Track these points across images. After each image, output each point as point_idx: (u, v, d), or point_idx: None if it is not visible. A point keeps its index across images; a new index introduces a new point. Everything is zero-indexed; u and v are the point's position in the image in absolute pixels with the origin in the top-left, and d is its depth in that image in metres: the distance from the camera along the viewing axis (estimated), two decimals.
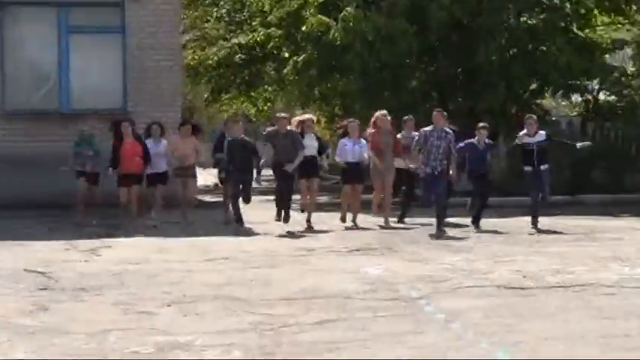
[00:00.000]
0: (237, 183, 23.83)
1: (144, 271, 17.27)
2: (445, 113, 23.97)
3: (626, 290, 15.04)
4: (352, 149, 24.42)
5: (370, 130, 25.26)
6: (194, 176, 24.91)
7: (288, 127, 23.98)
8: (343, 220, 25.17)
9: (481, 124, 25.21)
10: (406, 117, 26.06)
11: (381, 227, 24.47)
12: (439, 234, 22.37)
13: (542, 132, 24.65)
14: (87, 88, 29.75)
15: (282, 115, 25.53)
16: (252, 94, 50.25)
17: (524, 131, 24.42)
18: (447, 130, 23.24)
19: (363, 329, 12.23)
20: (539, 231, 23.37)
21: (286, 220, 23.65)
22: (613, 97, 38.89)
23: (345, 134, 25.57)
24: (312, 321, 12.74)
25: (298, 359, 10.60)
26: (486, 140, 24.88)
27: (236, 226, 23.45)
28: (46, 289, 15.60)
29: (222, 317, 13.10)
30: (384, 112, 25.40)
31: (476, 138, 24.60)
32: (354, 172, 24.81)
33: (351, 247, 20.39)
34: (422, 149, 23.12)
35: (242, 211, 24.05)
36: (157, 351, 11.02)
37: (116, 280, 16.42)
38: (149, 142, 24.43)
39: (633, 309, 13.42)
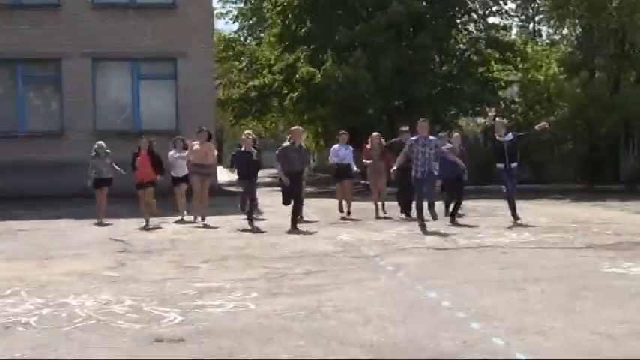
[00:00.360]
0: (245, 188, 20.01)
1: (189, 239, 17.29)
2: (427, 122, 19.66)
3: (514, 250, 15.06)
4: (343, 153, 22.12)
5: (367, 146, 22.68)
6: (210, 174, 22.05)
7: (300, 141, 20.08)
8: (341, 210, 22.08)
9: (455, 130, 23.68)
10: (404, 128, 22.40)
11: (377, 217, 21.54)
12: (421, 224, 18.31)
13: (510, 133, 20.53)
14: (151, 115, 29.79)
15: (296, 127, 20.86)
16: (263, 118, 50.52)
17: (496, 133, 20.12)
18: (430, 137, 19.14)
19: (337, 277, 12.25)
20: (517, 218, 19.61)
21: (295, 226, 18.92)
22: (505, 120, 38.92)
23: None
24: (302, 271, 12.73)
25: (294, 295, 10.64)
26: (460, 145, 21.52)
27: (247, 223, 19.51)
28: (124, 251, 15.60)
29: (242, 269, 13.10)
30: (376, 133, 23.13)
31: (450, 144, 21.04)
32: (344, 171, 22.16)
33: (330, 222, 20.38)
34: (411, 157, 18.94)
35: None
36: (199, 293, 11.03)
37: (171, 245, 16.45)
38: (174, 152, 21.58)
39: (519, 262, 13.46)
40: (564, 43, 42.71)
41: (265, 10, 44.11)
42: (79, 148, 26.56)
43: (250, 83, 44.92)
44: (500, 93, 38.81)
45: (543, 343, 8.10)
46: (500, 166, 19.96)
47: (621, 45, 35.40)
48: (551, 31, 47.47)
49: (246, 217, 19.95)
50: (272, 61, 41.56)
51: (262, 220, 20.56)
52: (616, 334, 8.40)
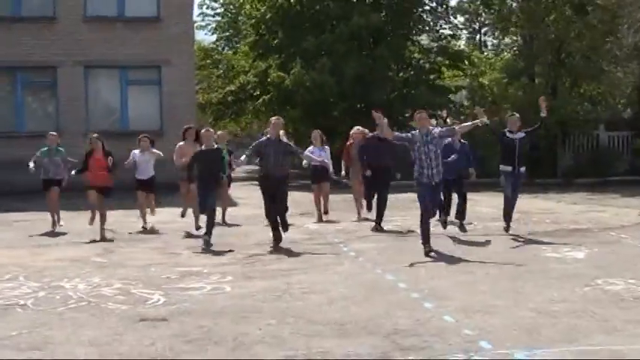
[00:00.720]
0: (202, 195, 14.63)
1: (173, 229, 17.15)
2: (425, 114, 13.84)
3: (463, 237, 15.07)
4: (318, 154, 18.12)
5: (349, 142, 19.27)
6: None
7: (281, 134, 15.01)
8: (320, 219, 18.76)
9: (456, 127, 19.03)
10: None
11: (360, 220, 18.56)
12: (428, 249, 12.85)
13: (521, 131, 15.52)
14: (138, 117, 29.61)
15: (275, 117, 15.35)
16: (239, 120, 50.55)
17: (507, 129, 15.45)
18: (433, 129, 13.53)
19: (305, 262, 12.25)
20: (508, 230, 15.55)
21: (278, 239, 14.36)
22: (455, 120, 39.06)
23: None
24: (274, 257, 12.71)
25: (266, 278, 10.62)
26: (461, 140, 16.07)
27: (204, 239, 14.27)
28: (112, 239, 15.51)
29: (219, 255, 13.09)
30: (358, 128, 19.46)
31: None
32: (320, 173, 18.72)
33: (299, 212, 20.29)
34: (413, 158, 13.39)
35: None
36: (180, 276, 11.02)
37: (155, 233, 16.35)
38: (137, 152, 17.23)
39: (467, 248, 13.50)
40: (507, 51, 42.95)
41: (241, 23, 44.20)
42: (73, 147, 26.35)
43: (227, 88, 45.06)
44: (450, 97, 39.01)
45: (489, 320, 8.11)
46: (507, 168, 15.42)
47: (558, 54, 35.59)
48: (495, 41, 47.70)
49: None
50: (247, 68, 41.61)
51: (218, 225, 19.84)
52: (554, 312, 8.44)
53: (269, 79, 36.15)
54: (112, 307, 9.09)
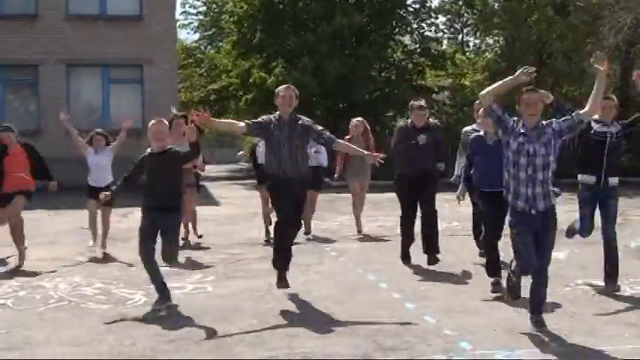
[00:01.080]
0: (152, 229, 9.46)
1: None
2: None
3: (445, 237, 14.89)
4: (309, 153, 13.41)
5: (347, 137, 14.72)
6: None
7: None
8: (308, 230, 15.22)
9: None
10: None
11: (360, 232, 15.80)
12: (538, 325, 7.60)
13: (617, 122, 9.70)
14: (120, 116, 29.42)
15: (285, 86, 10.27)
16: (221, 119, 50.40)
17: (595, 117, 9.08)
18: (548, 122, 7.99)
19: None
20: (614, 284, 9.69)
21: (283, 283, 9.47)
22: (437, 120, 39.11)
23: None
24: (256, 257, 12.67)
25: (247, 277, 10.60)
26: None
27: (156, 307, 8.75)
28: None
29: (202, 255, 13.03)
30: (359, 118, 16.19)
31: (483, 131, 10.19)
32: (313, 176, 12.40)
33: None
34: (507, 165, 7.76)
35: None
36: None
37: (137, 233, 16.26)
38: (91, 152, 13.74)
39: (449, 248, 13.36)
40: (489, 52, 43.12)
41: (224, 22, 44.15)
42: (54, 145, 26.31)
43: (209, 87, 45.01)
44: (432, 97, 39.13)
45: (470, 320, 8.12)
46: (589, 179, 10.08)
47: (539, 55, 35.78)
48: (477, 41, 47.87)
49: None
50: (229, 67, 41.62)
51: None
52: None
53: (251, 80, 36.09)
54: (92, 306, 9.06)
